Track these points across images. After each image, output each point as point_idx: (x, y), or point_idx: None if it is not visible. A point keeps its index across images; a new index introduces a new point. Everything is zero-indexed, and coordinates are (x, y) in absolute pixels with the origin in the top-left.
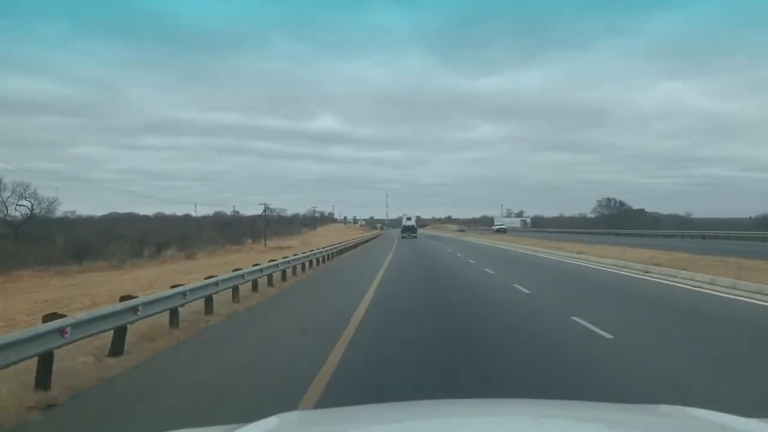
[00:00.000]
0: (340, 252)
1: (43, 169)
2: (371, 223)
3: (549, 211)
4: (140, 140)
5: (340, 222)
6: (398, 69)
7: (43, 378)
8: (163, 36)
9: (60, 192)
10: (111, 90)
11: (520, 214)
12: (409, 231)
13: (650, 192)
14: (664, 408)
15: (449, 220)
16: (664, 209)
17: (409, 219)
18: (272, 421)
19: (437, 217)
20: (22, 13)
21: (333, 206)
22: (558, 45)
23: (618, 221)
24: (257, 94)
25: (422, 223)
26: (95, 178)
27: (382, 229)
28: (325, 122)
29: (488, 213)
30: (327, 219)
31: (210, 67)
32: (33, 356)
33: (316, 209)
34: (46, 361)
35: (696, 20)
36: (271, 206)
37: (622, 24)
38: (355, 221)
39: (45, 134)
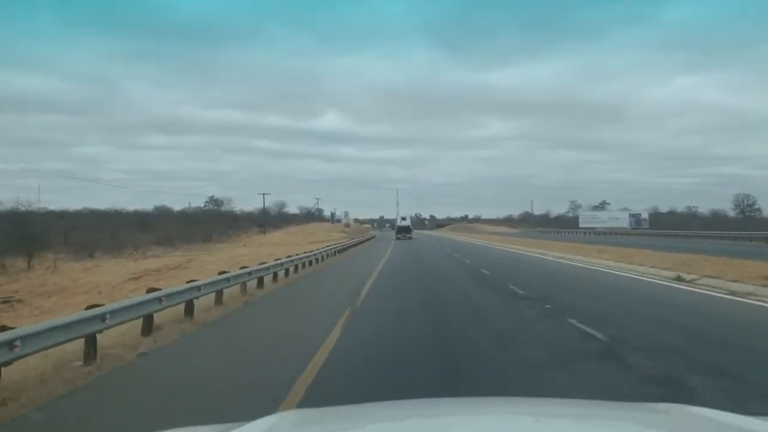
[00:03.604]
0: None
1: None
2: (379, 222)
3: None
4: (143, 139)
5: (328, 221)
6: (403, 64)
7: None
8: (163, 32)
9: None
10: (112, 87)
11: (602, 206)
12: (404, 231)
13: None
14: (663, 406)
15: (478, 220)
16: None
17: (404, 219)
18: (270, 419)
19: (452, 216)
20: (21, 9)
21: (317, 199)
22: (570, 36)
23: None
24: (260, 91)
25: (438, 223)
26: (96, 177)
27: (389, 229)
28: (330, 120)
29: (506, 213)
30: (309, 217)
31: (211, 63)
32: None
33: (265, 195)
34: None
35: (717, 8)
36: (215, 197)
37: (639, 13)
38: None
39: (45, 133)
